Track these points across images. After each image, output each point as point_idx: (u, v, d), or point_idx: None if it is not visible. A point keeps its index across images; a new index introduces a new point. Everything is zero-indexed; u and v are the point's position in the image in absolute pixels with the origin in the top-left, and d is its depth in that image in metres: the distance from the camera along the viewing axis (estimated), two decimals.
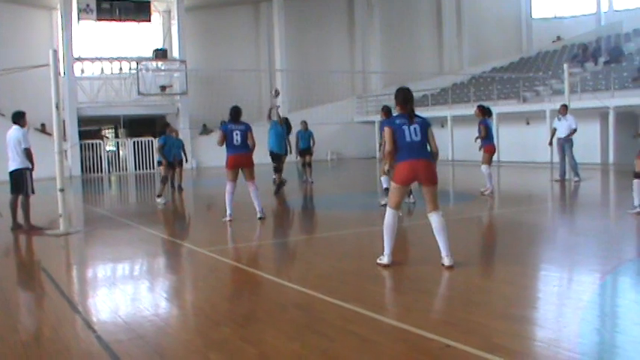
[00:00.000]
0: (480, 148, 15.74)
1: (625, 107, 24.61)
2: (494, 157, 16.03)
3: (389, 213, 8.00)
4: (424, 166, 7.77)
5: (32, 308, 7.24)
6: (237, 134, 12.17)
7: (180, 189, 19.87)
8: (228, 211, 12.40)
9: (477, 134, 15.62)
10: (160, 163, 17.85)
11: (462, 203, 15.04)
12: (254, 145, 12.36)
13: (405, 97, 7.98)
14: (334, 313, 6.12)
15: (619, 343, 5.19)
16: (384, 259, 8.05)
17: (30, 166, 12.06)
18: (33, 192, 12.25)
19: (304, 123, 21.44)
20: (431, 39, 42.26)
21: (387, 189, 11.83)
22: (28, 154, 11.96)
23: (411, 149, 7.77)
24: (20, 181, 12.09)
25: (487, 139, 15.55)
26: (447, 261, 7.81)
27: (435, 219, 7.87)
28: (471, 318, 5.86)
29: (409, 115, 7.88)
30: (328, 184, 16.88)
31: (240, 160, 12.28)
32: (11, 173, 12.11)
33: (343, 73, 38.11)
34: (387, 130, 7.87)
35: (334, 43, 39.60)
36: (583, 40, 37.19)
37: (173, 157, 18.64)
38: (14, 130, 12.02)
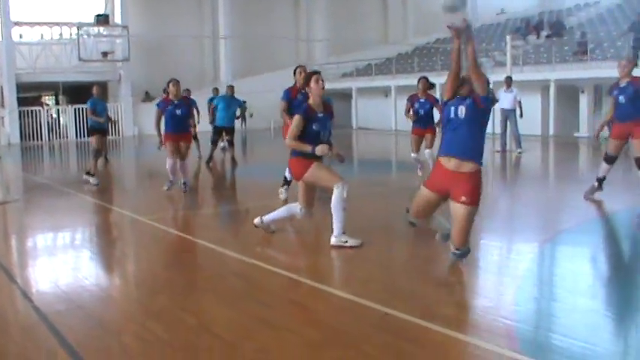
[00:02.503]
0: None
1: (565, 80, 25.00)
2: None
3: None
4: None
5: None
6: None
7: (106, 160, 18.31)
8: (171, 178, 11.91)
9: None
10: (90, 133, 14.64)
11: (404, 173, 15.16)
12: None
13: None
14: (274, 282, 6.14)
15: (554, 311, 5.31)
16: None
17: None
18: None
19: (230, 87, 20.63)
20: (376, 8, 42.14)
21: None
22: None
23: (315, 144, 7.18)
24: None
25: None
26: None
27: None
28: (411, 286, 5.94)
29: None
30: (270, 152, 16.80)
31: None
32: None
33: (287, 40, 37.82)
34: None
35: (278, 10, 39.21)
36: (526, 13, 37.56)
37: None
38: None
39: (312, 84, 7.39)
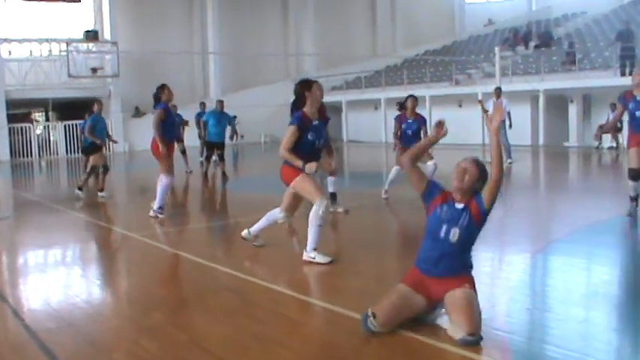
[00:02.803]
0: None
1: (554, 90, 25.12)
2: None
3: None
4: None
5: None
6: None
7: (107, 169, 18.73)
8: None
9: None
10: (89, 151, 14.57)
11: (395, 185, 15.15)
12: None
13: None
14: (265, 296, 6.12)
15: (547, 321, 5.31)
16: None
17: None
18: None
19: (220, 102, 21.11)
20: (364, 21, 42.30)
21: (333, 193, 10.60)
22: None
23: (310, 153, 7.23)
24: None
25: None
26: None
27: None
28: None
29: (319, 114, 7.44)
30: (261, 166, 16.80)
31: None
32: None
33: (276, 55, 37.90)
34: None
35: (268, 25, 39.31)
36: (514, 24, 37.72)
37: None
38: None
39: (315, 90, 7.28)
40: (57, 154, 31.42)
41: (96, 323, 5.63)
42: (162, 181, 10.59)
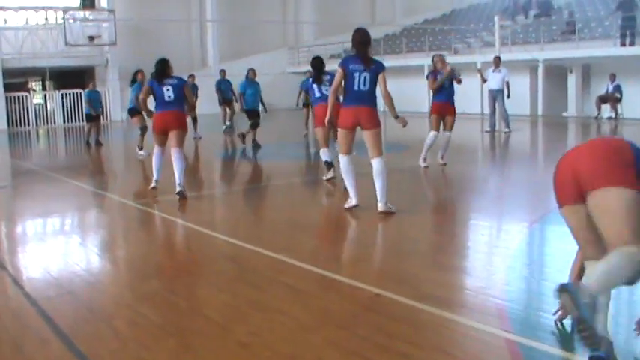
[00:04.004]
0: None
1: (554, 60, 25.02)
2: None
3: (342, 160, 8.16)
4: (366, 112, 7.87)
5: None
6: (168, 89, 9.76)
7: (99, 144, 19.27)
8: (154, 177, 10.29)
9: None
10: (131, 114, 16.47)
11: (393, 154, 15.14)
12: (193, 105, 10.82)
13: (361, 39, 8.00)
14: (265, 264, 6.14)
15: (545, 290, 5.33)
16: (352, 201, 8.16)
17: None
18: None
19: (223, 72, 22.19)
20: None
21: (327, 162, 10.89)
22: None
23: (357, 97, 7.83)
24: None
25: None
26: (379, 207, 7.91)
27: (375, 163, 7.95)
28: (401, 267, 5.95)
29: (363, 60, 7.87)
30: (260, 134, 16.75)
31: (169, 118, 9.82)
32: None
33: (275, 23, 37.65)
34: (338, 70, 7.89)
35: None
36: None
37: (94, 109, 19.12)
38: None
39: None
40: (54, 123, 31.31)
41: (95, 291, 5.64)
42: (180, 155, 9.81)
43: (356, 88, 7.82)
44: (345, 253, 6.68)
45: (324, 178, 10.78)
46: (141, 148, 15.65)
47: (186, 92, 9.98)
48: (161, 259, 6.72)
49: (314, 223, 8.11)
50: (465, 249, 6.72)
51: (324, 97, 10.35)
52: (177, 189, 9.58)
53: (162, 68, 9.88)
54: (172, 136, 9.79)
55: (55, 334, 4.57)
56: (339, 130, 8.10)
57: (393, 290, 5.08)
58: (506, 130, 18.43)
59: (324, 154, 10.93)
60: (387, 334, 4.30)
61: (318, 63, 11.27)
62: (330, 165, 10.80)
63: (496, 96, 18.58)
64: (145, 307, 5.05)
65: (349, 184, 8.19)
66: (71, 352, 4.26)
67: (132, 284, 5.81)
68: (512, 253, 6.34)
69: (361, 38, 7.98)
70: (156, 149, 10.20)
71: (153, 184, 10.22)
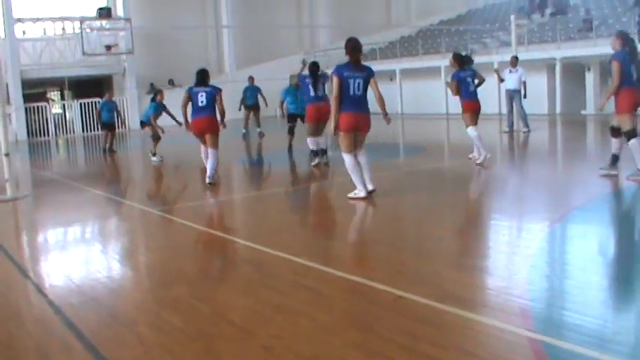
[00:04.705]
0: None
1: (571, 58, 24.86)
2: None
3: (346, 157, 9.05)
4: (365, 120, 9.05)
5: None
6: (202, 96, 11.18)
7: (112, 151, 19.66)
8: (207, 173, 11.42)
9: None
10: (143, 125, 17.10)
11: (412, 156, 15.15)
12: (223, 111, 11.60)
13: (353, 46, 8.89)
14: (286, 268, 6.14)
15: (567, 288, 5.30)
16: (360, 193, 9.03)
17: None
18: None
19: (251, 78, 22.31)
20: None
21: (313, 151, 13.07)
22: None
23: (354, 102, 8.79)
24: None
25: (462, 95, 12.27)
26: (370, 187, 9.07)
27: (362, 155, 9.15)
28: (422, 268, 5.93)
29: (355, 66, 8.80)
30: (277, 139, 16.80)
31: (202, 124, 11.34)
32: None
33: (290, 28, 37.71)
34: (334, 79, 8.74)
35: None
36: None
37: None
38: None
39: None
40: (73, 132, 31.51)
41: (118, 297, 5.67)
42: (214, 154, 11.43)
43: (351, 93, 8.74)
44: (365, 255, 6.67)
45: (312, 163, 13.06)
46: (154, 154, 16.25)
47: (217, 99, 11.30)
48: (182, 264, 6.73)
49: (333, 226, 8.10)
50: (486, 249, 6.68)
51: (317, 98, 12.78)
52: (207, 180, 11.33)
53: (202, 77, 11.43)
54: (207, 139, 11.44)
55: (78, 340, 4.60)
56: (341, 132, 8.97)
57: (415, 291, 5.07)
58: (525, 129, 18.33)
59: (311, 143, 13.06)
60: (411, 335, 4.29)
61: (316, 69, 13.06)
62: (315, 153, 13.03)
63: (513, 96, 18.50)
64: (167, 312, 5.07)
65: (356, 179, 9.08)
66: (95, 359, 4.28)
67: (154, 290, 5.83)
68: (533, 252, 6.29)
69: (354, 45, 8.89)
70: (202, 147, 12.02)
71: (207, 180, 11.42)
